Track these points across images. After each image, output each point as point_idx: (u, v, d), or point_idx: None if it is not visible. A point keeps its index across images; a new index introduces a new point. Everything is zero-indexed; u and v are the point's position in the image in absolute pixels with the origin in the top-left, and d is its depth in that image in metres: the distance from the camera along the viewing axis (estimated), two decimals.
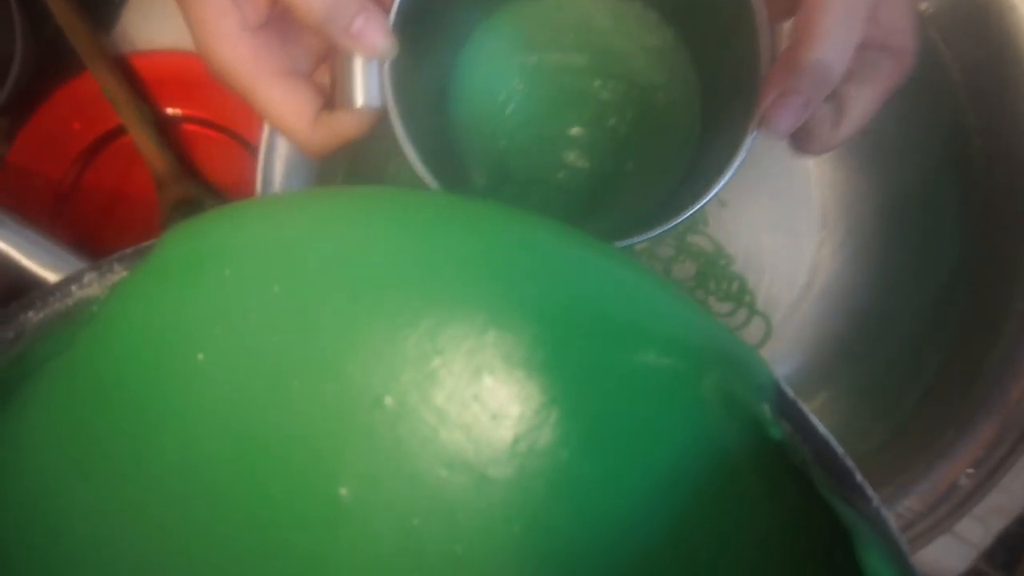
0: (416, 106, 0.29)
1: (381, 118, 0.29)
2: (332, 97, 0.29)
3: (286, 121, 0.27)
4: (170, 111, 0.48)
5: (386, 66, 0.28)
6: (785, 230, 0.45)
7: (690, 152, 0.34)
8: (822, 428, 0.21)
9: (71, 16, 0.48)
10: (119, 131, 0.48)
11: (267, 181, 0.40)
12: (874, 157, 0.44)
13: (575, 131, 0.35)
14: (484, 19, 0.35)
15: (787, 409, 0.21)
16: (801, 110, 0.25)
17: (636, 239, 0.28)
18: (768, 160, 0.44)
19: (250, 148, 0.47)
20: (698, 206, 0.27)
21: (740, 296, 0.46)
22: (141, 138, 0.46)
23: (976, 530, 0.48)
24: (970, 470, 0.38)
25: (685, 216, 0.28)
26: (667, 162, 0.34)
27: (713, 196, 0.27)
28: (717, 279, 0.45)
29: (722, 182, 0.27)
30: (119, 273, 0.21)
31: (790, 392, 0.21)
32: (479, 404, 0.20)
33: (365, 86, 0.27)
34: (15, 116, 0.48)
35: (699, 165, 0.32)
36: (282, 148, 0.40)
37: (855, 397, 0.43)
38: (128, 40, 0.50)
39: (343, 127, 0.28)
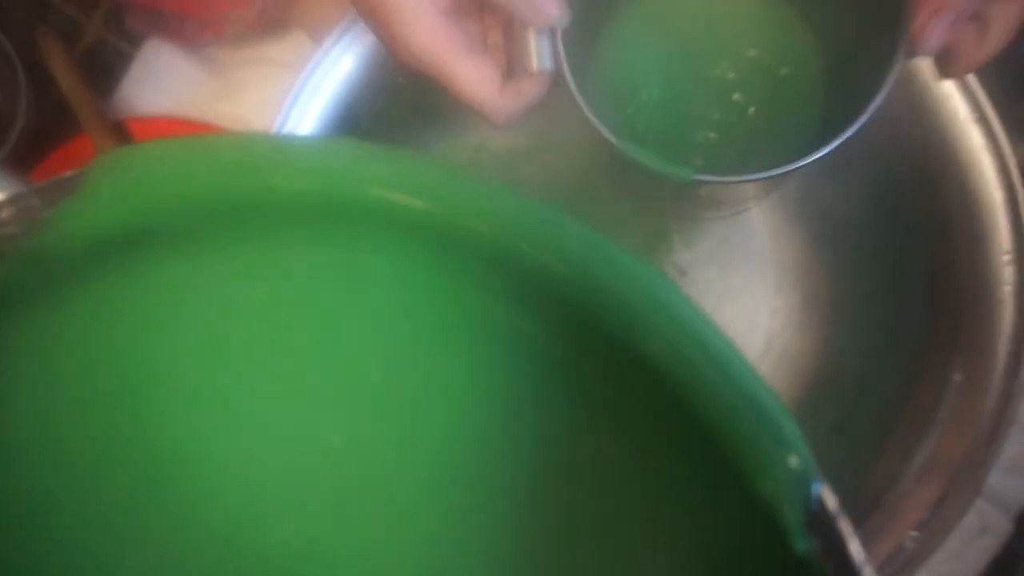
0: (578, 71, 0.31)
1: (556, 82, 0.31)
2: (509, 66, 0.31)
3: (480, 94, 0.29)
4: None
5: (559, 34, 0.30)
6: (742, 298, 0.47)
7: (818, 115, 0.37)
8: (859, 555, 0.17)
9: (73, 80, 0.51)
10: None
11: None
12: (824, 228, 0.46)
13: (706, 113, 0.38)
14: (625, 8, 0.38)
15: (822, 522, 0.17)
16: (952, 26, 0.26)
17: (785, 168, 0.30)
18: (724, 230, 0.47)
19: None
20: (859, 123, 0.28)
21: None
22: None
23: None
24: (914, 532, 0.39)
25: (847, 135, 0.29)
26: (796, 132, 0.37)
27: (868, 116, 0.28)
28: None
29: (876, 102, 0.28)
30: (39, 209, 0.18)
31: (833, 502, 0.18)
32: None
33: (539, 53, 0.30)
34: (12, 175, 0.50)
35: (832, 121, 0.33)
36: None
37: None
38: (127, 105, 0.53)
39: (526, 92, 0.31)
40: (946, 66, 0.28)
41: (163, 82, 0.52)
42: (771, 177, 0.31)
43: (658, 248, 0.48)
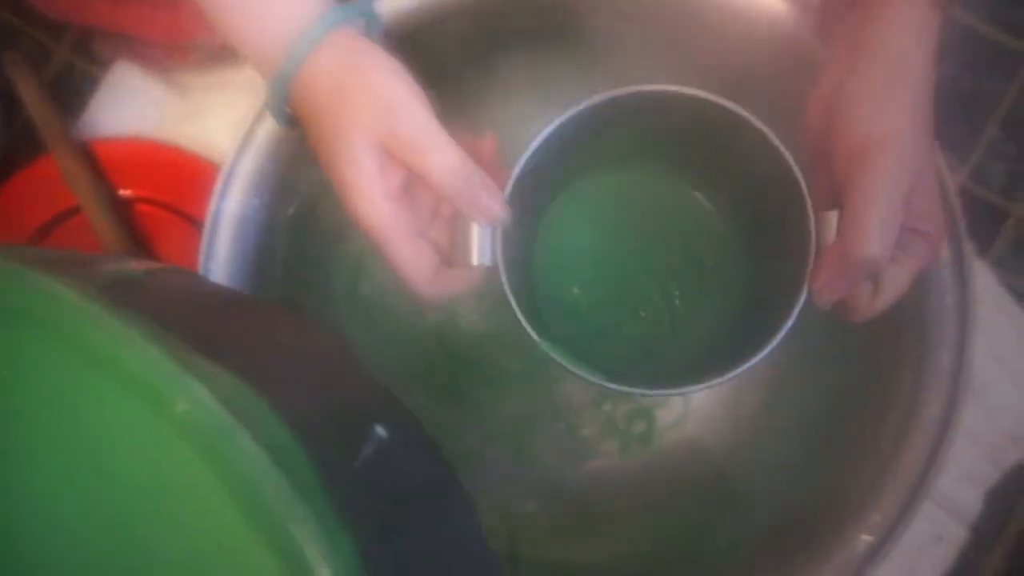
0: (511, 266, 0.34)
1: (489, 275, 0.34)
2: (451, 255, 0.34)
3: (412, 276, 0.32)
4: (125, 192, 0.51)
5: (498, 232, 0.33)
6: None
7: (737, 319, 0.41)
8: None
9: (40, 102, 0.51)
10: (74, 211, 0.51)
11: (209, 256, 0.43)
12: None
13: (635, 298, 0.43)
14: (562, 194, 0.43)
15: None
16: (846, 290, 0.30)
17: (696, 387, 0.33)
18: None
19: (197, 225, 0.49)
20: (756, 359, 0.32)
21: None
22: (96, 216, 0.49)
23: None
24: (867, 536, 0.40)
25: (744, 367, 0.32)
26: (718, 328, 0.42)
27: (767, 353, 0.32)
28: None
29: (775, 341, 0.32)
30: None
31: None
32: None
33: (480, 248, 0.33)
34: None
35: (748, 328, 0.38)
36: (224, 230, 0.43)
37: None
38: (95, 127, 0.53)
39: (456, 283, 0.34)
40: (842, 315, 0.31)
41: (130, 105, 0.53)
42: (685, 392, 0.35)
43: None
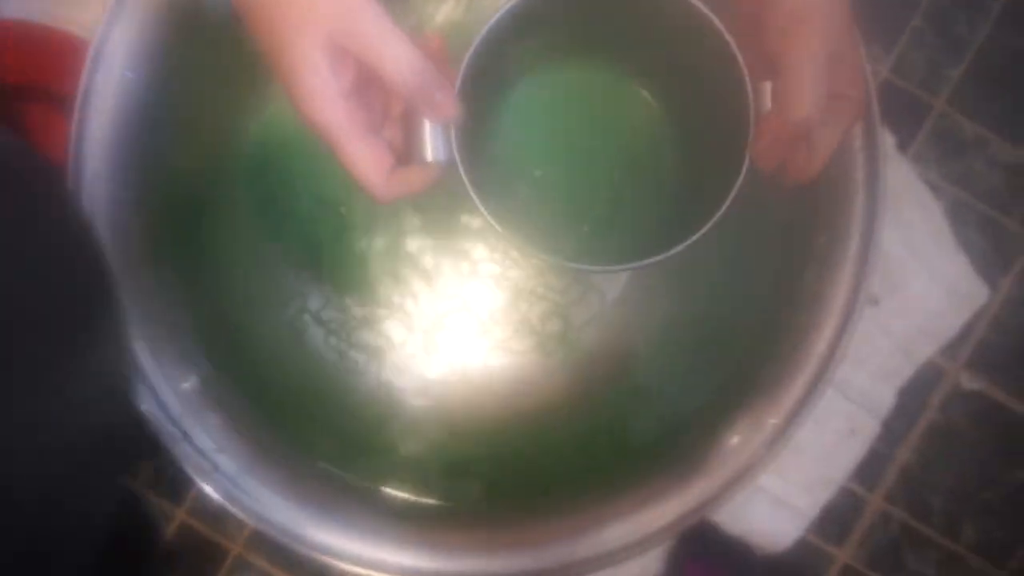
0: (470, 158, 0.34)
1: (447, 171, 0.34)
2: (405, 153, 0.33)
3: (368, 175, 0.32)
4: None
5: (453, 129, 0.33)
6: None
7: (678, 204, 0.42)
8: None
9: None
10: None
11: (81, 136, 0.39)
12: None
13: (582, 188, 0.44)
14: (512, 90, 0.43)
15: None
16: (785, 154, 0.32)
17: (644, 262, 0.34)
18: None
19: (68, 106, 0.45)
20: (703, 230, 0.33)
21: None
22: None
23: (804, 498, 0.49)
24: (774, 420, 0.39)
25: (692, 239, 0.33)
26: (659, 213, 0.43)
27: (712, 224, 0.33)
28: None
29: (721, 210, 0.33)
30: None
31: None
32: None
33: (434, 145, 0.33)
34: None
35: (687, 205, 0.39)
36: (96, 109, 0.39)
37: None
38: None
39: (413, 180, 0.33)
40: (783, 179, 0.34)
41: None
42: (637, 267, 0.35)
43: None
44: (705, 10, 0.33)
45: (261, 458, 0.41)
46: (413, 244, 0.47)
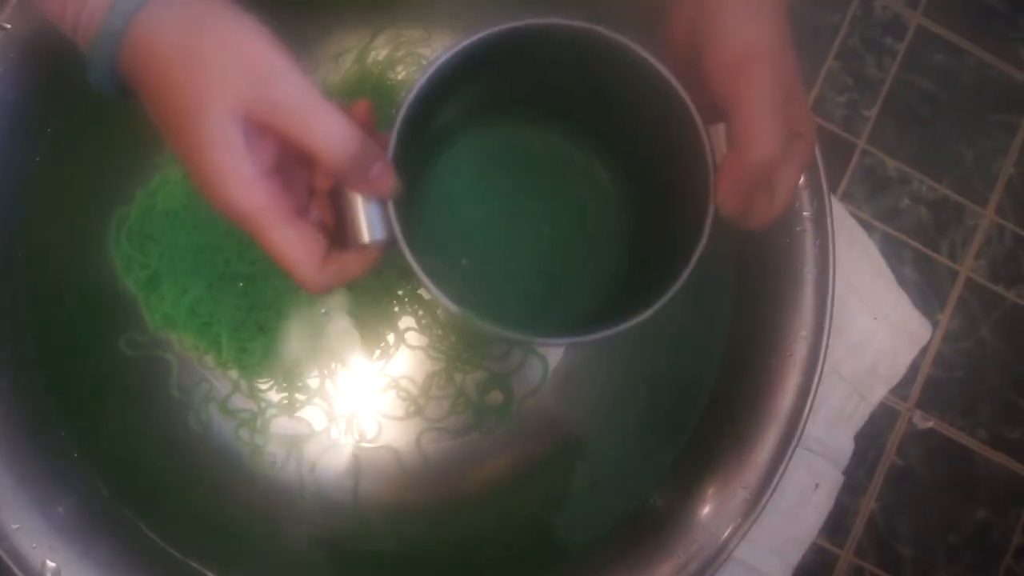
0: (407, 231, 0.30)
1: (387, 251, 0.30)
2: (337, 235, 0.29)
3: (300, 266, 0.28)
4: None
5: (390, 202, 0.29)
6: None
7: (625, 257, 0.39)
8: None
9: None
10: None
11: None
12: None
13: (524, 259, 0.39)
14: (445, 150, 0.38)
15: None
16: (748, 195, 0.30)
17: (609, 332, 0.30)
18: None
19: None
20: (673, 290, 0.30)
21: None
22: None
23: (774, 563, 0.46)
24: (744, 490, 0.36)
25: (662, 302, 0.30)
26: (607, 283, 0.39)
27: (679, 285, 0.30)
28: None
29: (691, 263, 0.30)
30: None
31: None
32: None
33: (370, 223, 0.29)
34: None
35: (640, 270, 0.36)
36: None
37: None
38: None
39: (351, 266, 0.29)
40: (747, 223, 0.32)
41: None
42: (599, 339, 0.31)
43: None
44: (644, 53, 0.30)
45: None
46: (331, 317, 0.41)
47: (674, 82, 0.30)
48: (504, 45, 0.30)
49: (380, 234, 0.29)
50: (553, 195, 0.39)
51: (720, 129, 0.30)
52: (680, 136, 0.31)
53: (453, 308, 0.30)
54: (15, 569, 0.30)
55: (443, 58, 0.29)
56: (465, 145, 0.39)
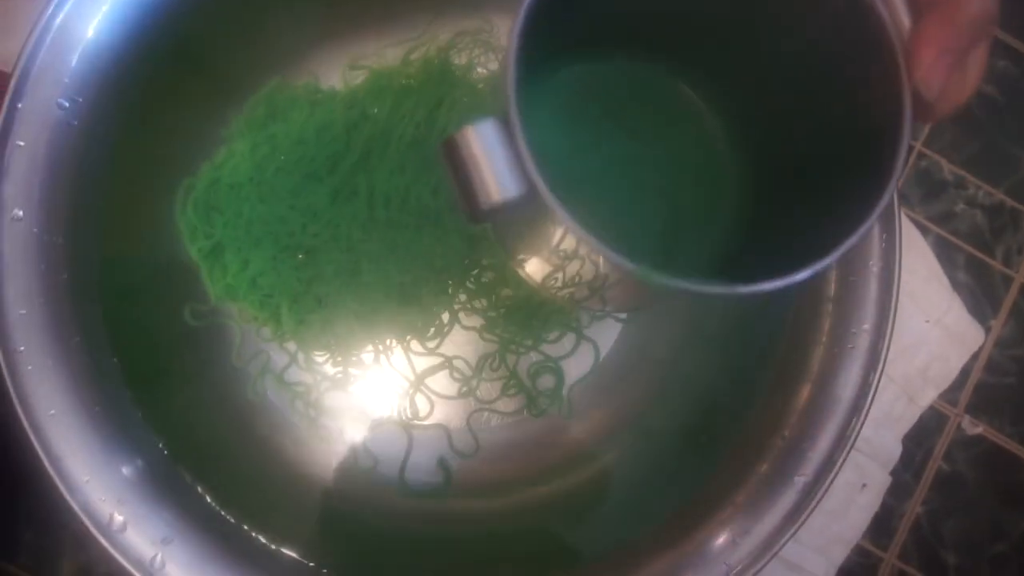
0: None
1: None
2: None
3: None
4: None
5: (526, 149, 0.24)
6: None
7: (742, 221, 0.34)
8: None
9: None
10: None
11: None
12: None
13: (637, 200, 0.34)
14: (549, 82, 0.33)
15: None
16: (960, 63, 0.25)
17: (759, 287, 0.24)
18: None
19: None
20: (860, 233, 0.24)
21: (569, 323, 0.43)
22: None
23: (819, 562, 0.45)
24: (800, 477, 0.36)
25: (840, 251, 0.24)
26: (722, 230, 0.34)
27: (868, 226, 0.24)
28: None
29: (883, 201, 0.25)
30: None
31: None
32: None
33: (500, 179, 0.24)
34: None
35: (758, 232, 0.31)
36: (19, 143, 0.34)
37: None
38: None
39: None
40: (931, 110, 0.27)
41: None
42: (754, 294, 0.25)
43: None
44: None
45: (217, 549, 0.34)
46: (387, 295, 0.42)
47: None
48: None
49: (516, 190, 0.24)
50: (665, 143, 0.35)
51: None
52: (855, 43, 0.26)
53: (629, 266, 0.24)
54: (86, 520, 0.30)
55: None
56: (575, 80, 0.33)
